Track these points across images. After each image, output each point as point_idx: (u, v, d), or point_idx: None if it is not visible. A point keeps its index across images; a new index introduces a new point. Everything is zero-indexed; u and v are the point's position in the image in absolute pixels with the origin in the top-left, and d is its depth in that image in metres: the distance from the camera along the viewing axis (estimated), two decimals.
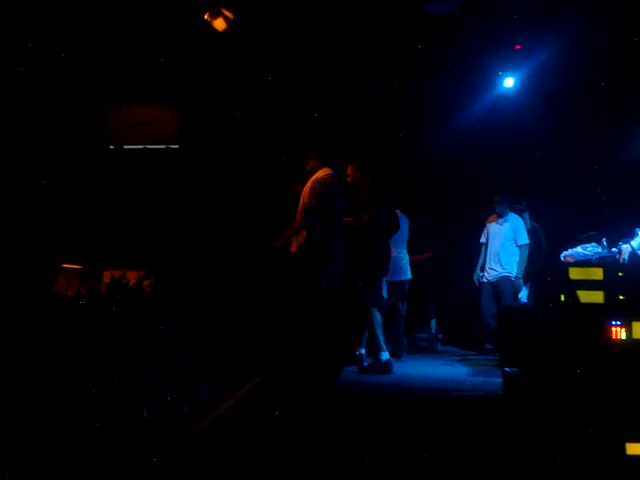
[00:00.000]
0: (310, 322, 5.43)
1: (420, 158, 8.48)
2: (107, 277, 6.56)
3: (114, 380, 4.28)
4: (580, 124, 7.67)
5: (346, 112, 7.64)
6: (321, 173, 5.64)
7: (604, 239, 6.76)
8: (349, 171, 6.54)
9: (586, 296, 5.31)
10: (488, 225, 7.81)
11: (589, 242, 7.04)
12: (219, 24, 6.40)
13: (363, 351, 6.47)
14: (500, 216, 7.66)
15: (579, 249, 6.80)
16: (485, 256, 7.78)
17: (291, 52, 7.07)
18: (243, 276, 6.60)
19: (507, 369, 5.07)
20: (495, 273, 7.66)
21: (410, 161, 8.56)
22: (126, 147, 7.17)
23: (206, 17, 6.40)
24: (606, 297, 5.23)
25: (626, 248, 6.25)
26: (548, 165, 7.95)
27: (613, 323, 4.68)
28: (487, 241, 7.76)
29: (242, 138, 7.02)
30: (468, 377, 6.45)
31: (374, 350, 6.38)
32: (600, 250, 6.73)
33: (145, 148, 7.17)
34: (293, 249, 5.56)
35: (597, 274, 5.60)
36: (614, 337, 4.64)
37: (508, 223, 7.65)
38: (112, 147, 7.13)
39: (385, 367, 6.25)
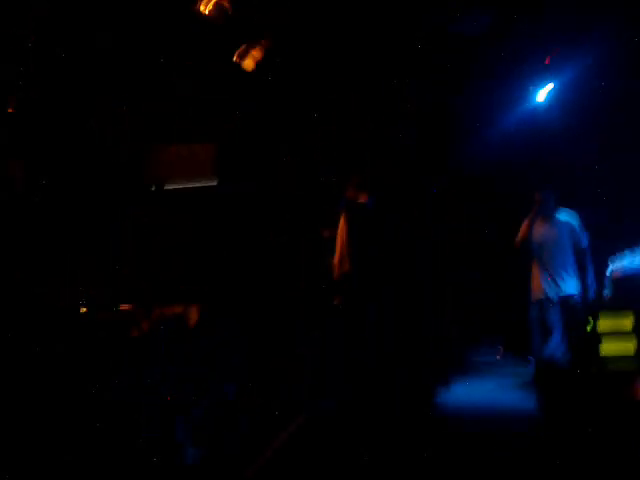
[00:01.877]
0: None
1: (447, 173, 8.41)
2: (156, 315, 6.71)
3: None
4: (616, 133, 7.57)
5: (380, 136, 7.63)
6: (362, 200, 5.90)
7: None
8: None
9: (614, 349, 5.01)
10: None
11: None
12: (248, 64, 6.49)
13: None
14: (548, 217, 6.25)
15: (626, 261, 6.70)
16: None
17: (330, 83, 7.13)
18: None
19: None
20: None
21: (437, 176, 8.47)
22: (167, 187, 7.28)
23: (235, 58, 6.50)
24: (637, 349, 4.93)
25: None
26: (582, 176, 7.79)
27: None
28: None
29: (280, 173, 7.12)
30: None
31: None
32: None
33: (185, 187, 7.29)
34: None
35: (627, 325, 5.23)
36: None
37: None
38: (154, 187, 7.26)
39: None
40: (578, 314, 5.98)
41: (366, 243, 5.91)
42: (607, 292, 6.14)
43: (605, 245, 7.00)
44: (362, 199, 5.97)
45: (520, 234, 6.37)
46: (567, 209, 6.36)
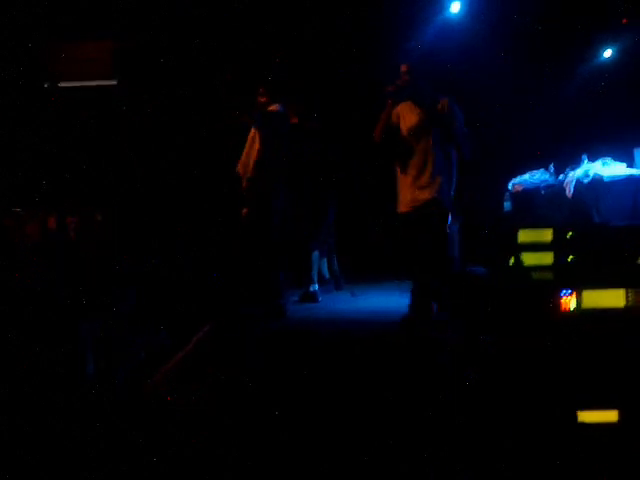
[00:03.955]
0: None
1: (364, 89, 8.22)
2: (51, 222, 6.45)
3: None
4: (528, 48, 7.54)
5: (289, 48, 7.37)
6: (273, 109, 5.70)
7: (552, 165, 6.81)
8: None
9: (533, 259, 5.07)
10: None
11: None
12: None
13: (316, 287, 6.60)
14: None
15: (527, 176, 6.86)
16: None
17: None
18: (188, 214, 6.57)
19: None
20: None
21: (354, 93, 8.27)
22: (62, 84, 6.86)
23: None
24: (555, 261, 4.94)
25: (572, 176, 6.29)
26: (495, 91, 7.73)
27: (562, 293, 4.07)
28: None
29: (181, 74, 6.81)
30: None
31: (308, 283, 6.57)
32: (547, 177, 6.81)
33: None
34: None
35: (546, 236, 5.25)
36: (563, 308, 4.06)
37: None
38: (47, 85, 6.83)
39: (313, 297, 6.47)
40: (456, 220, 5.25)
41: (280, 153, 5.74)
42: (507, 205, 6.25)
43: (509, 164, 7.12)
44: (273, 108, 5.77)
45: (379, 123, 4.75)
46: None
